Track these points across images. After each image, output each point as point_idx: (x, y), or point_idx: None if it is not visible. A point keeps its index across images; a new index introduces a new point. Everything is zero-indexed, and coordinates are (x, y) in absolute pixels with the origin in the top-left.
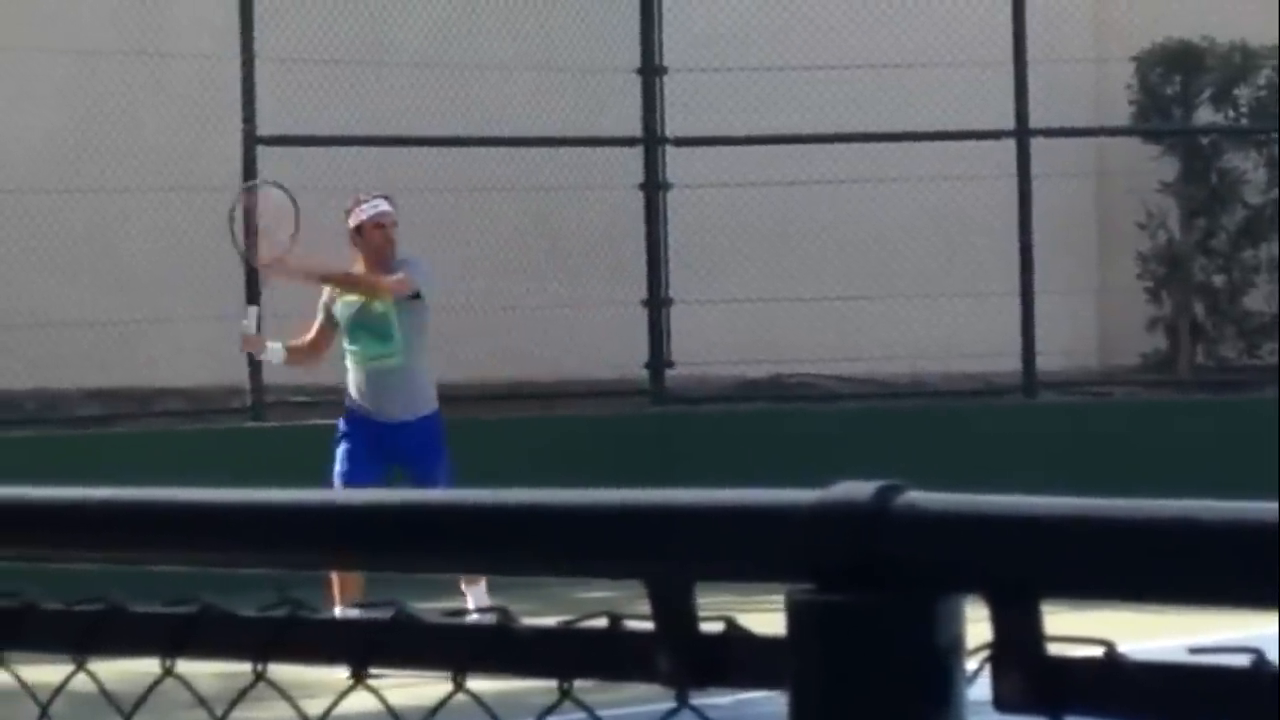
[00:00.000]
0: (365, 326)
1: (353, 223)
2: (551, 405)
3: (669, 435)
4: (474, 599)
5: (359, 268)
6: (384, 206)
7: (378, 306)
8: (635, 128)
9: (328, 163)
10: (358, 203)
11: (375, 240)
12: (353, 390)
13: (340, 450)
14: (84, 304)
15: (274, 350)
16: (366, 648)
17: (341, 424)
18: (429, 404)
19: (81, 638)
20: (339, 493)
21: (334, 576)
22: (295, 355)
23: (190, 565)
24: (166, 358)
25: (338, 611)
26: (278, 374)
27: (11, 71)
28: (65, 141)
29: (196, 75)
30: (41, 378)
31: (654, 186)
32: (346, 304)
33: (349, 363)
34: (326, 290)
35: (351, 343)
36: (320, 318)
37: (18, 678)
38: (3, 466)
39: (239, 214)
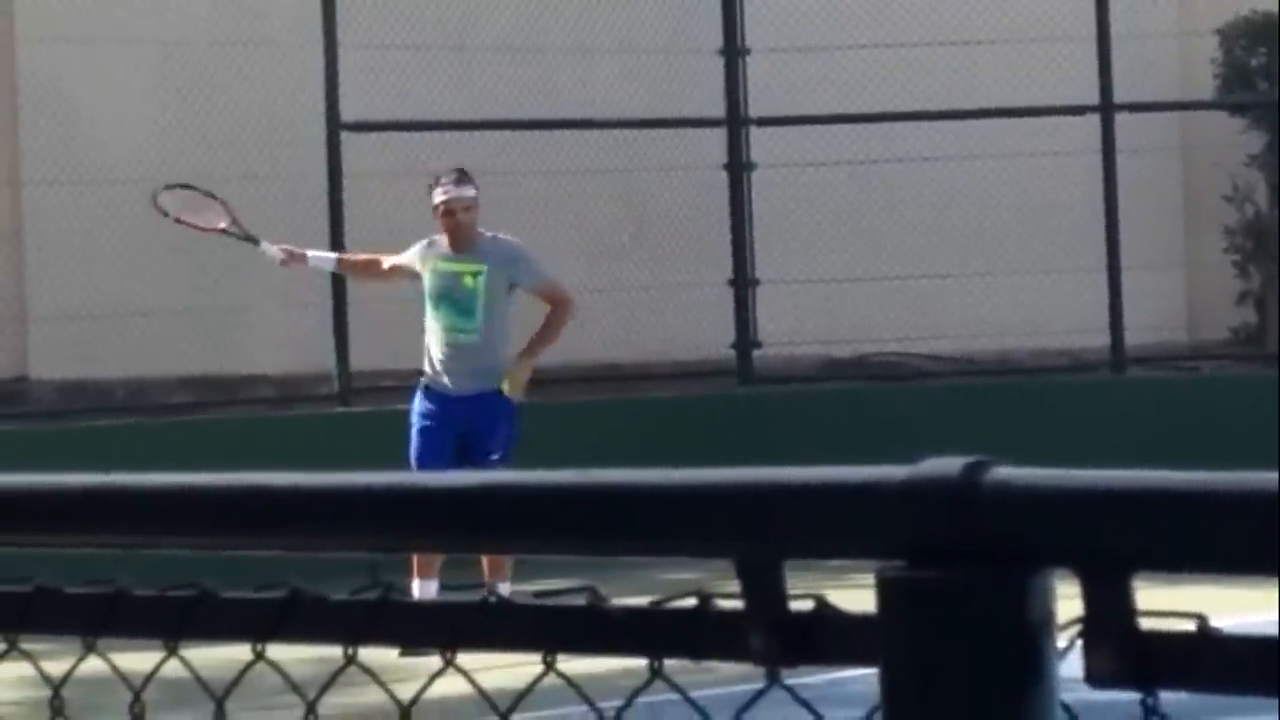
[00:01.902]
0: (450, 298)
1: (433, 202)
2: (639, 387)
3: (756, 416)
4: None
5: (444, 242)
6: (454, 191)
7: (468, 282)
8: (719, 108)
9: (412, 148)
10: (437, 182)
11: (448, 225)
12: (428, 362)
13: (414, 425)
14: (172, 292)
15: (320, 258)
16: (457, 630)
17: (415, 397)
18: (500, 381)
19: (173, 624)
20: (429, 475)
21: (414, 555)
22: (347, 265)
23: (280, 550)
24: (254, 345)
25: (415, 588)
26: (365, 359)
27: (101, 63)
28: (153, 131)
29: (281, 62)
30: (131, 366)
31: (738, 167)
32: (437, 273)
33: (429, 331)
34: (411, 249)
35: (433, 310)
36: (402, 260)
37: (111, 664)
38: (93, 455)
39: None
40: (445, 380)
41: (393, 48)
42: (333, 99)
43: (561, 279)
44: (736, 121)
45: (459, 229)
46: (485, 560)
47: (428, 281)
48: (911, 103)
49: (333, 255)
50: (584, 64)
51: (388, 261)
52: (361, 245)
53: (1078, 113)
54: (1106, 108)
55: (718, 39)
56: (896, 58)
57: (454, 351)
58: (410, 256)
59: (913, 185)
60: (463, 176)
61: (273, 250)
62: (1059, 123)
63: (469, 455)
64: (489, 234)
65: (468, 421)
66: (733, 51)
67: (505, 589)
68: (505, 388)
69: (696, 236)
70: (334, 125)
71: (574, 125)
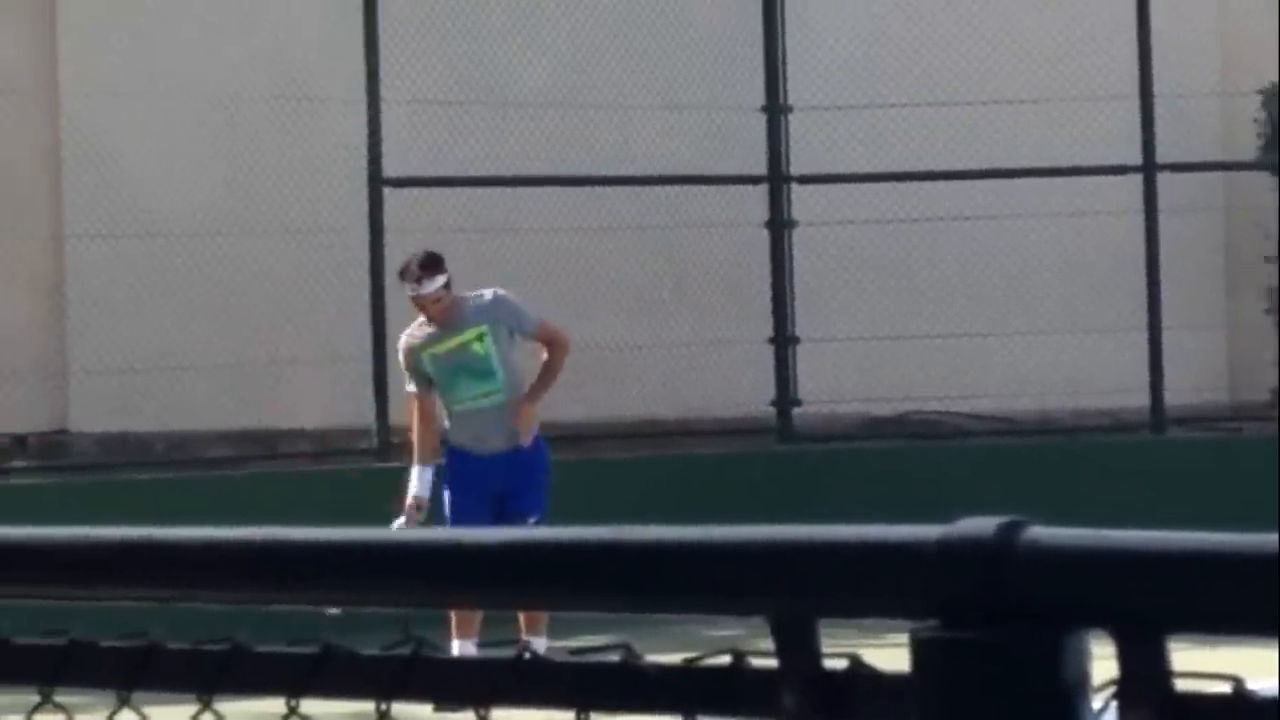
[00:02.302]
0: (466, 370)
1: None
2: (678, 444)
3: (796, 474)
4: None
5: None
6: (419, 289)
7: (476, 349)
8: (760, 165)
9: (454, 203)
10: (401, 274)
11: (430, 313)
12: (454, 432)
13: (449, 491)
14: (213, 347)
15: (421, 483)
16: (491, 686)
17: (446, 472)
18: (531, 434)
19: (207, 677)
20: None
21: (452, 613)
22: (428, 450)
23: (317, 605)
24: (294, 399)
25: (455, 648)
26: (404, 415)
27: (144, 117)
28: (195, 186)
29: (324, 117)
30: (172, 420)
31: (779, 224)
32: (435, 355)
33: (449, 409)
34: (401, 356)
35: (450, 390)
36: (414, 387)
37: (145, 717)
38: (132, 508)
39: None
40: (478, 444)
41: (435, 103)
42: (375, 154)
43: (549, 317)
44: (778, 179)
45: (438, 317)
46: (522, 616)
47: (433, 370)
48: (953, 161)
49: (415, 468)
50: (625, 119)
51: (416, 403)
52: (402, 300)
53: (1120, 172)
54: (1149, 167)
55: (760, 96)
56: (938, 116)
57: (483, 415)
58: (409, 374)
59: (954, 243)
60: (426, 270)
61: (404, 522)
62: (1100, 182)
63: (505, 518)
64: (468, 295)
65: (505, 480)
66: (775, 109)
67: (541, 645)
68: (521, 439)
69: (737, 293)
70: (376, 181)
71: (615, 182)
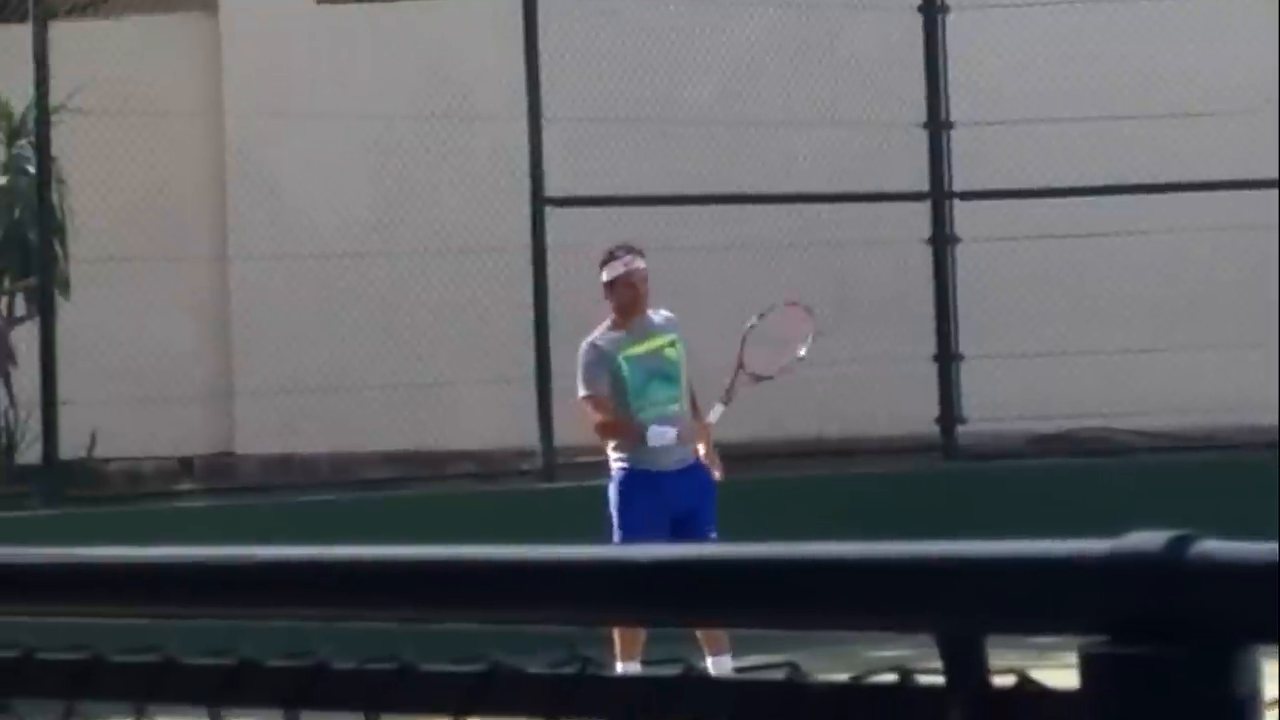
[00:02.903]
0: (661, 375)
1: (605, 278)
2: (844, 463)
3: (962, 492)
4: (714, 668)
5: (608, 321)
6: (635, 263)
7: (670, 354)
8: (922, 182)
9: (615, 222)
10: (611, 256)
11: (626, 297)
12: (631, 447)
13: (621, 510)
14: (377, 367)
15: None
16: (658, 706)
17: (618, 485)
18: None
19: (373, 697)
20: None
21: (616, 633)
22: (625, 434)
23: (486, 623)
24: (456, 420)
25: (620, 668)
26: (569, 435)
27: (307, 137)
28: (356, 206)
29: (486, 136)
30: (336, 441)
31: (942, 241)
32: (632, 358)
33: (635, 417)
34: (587, 360)
35: (640, 394)
36: (602, 384)
37: None
38: (297, 530)
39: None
40: (658, 461)
41: (596, 120)
42: (537, 173)
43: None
44: (940, 195)
45: (637, 301)
46: (702, 636)
47: (628, 373)
48: (1116, 175)
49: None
50: (788, 137)
51: (602, 400)
52: (565, 319)
53: None
54: None
55: (921, 112)
56: (1101, 130)
57: (670, 425)
58: (601, 376)
59: (1119, 258)
60: (635, 250)
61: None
62: (1271, 195)
63: (687, 536)
64: (650, 310)
65: (685, 497)
66: (936, 124)
67: (726, 664)
68: (717, 474)
69: (900, 311)
70: (538, 199)
71: (777, 200)
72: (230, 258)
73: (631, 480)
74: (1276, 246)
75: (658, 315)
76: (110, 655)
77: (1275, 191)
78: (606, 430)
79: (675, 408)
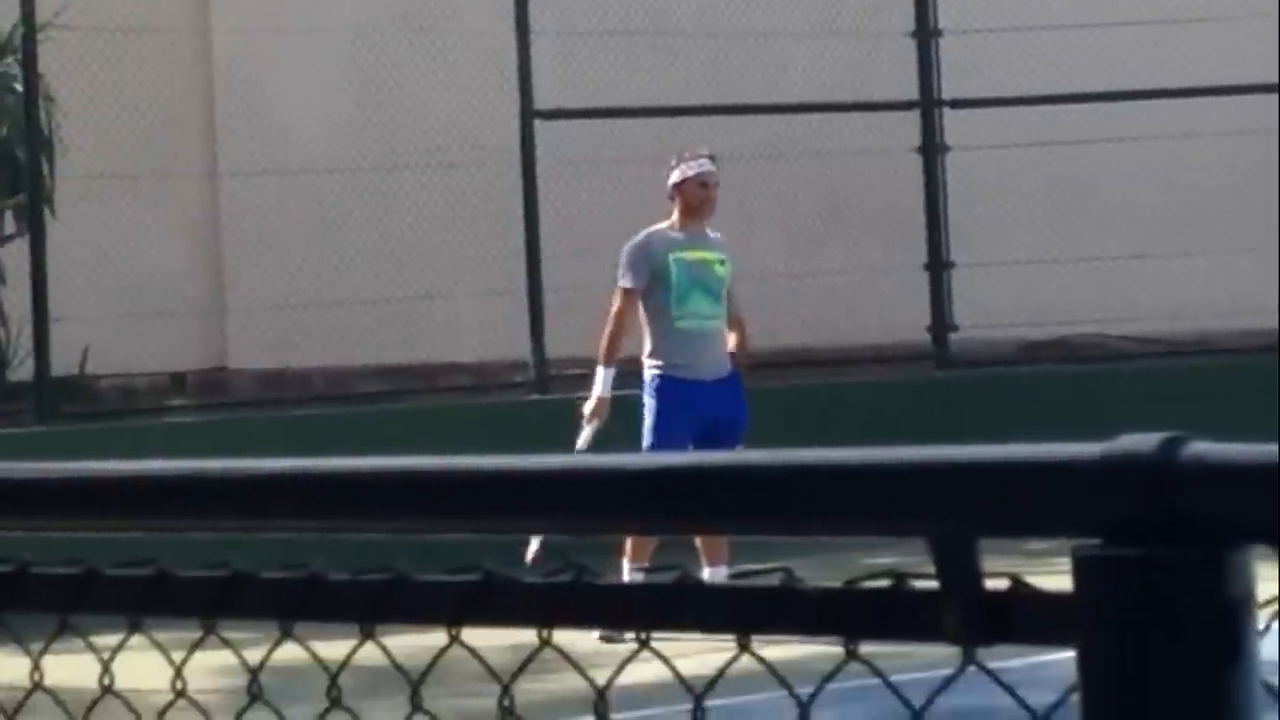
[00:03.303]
0: (703, 286)
1: (676, 178)
2: (835, 372)
3: (954, 399)
4: (711, 577)
5: (668, 222)
6: (709, 165)
7: (719, 270)
8: (912, 91)
9: (606, 134)
10: (682, 159)
11: (697, 198)
12: (667, 354)
13: (654, 415)
14: (367, 282)
15: (606, 384)
16: (653, 613)
17: (652, 391)
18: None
19: (368, 608)
20: (623, 456)
21: (627, 539)
22: (617, 351)
23: (482, 533)
24: (449, 333)
25: (626, 566)
26: (562, 347)
27: (294, 51)
28: (345, 120)
29: (473, 50)
30: (329, 356)
31: (932, 150)
32: (682, 261)
33: (672, 324)
34: (636, 248)
35: (681, 300)
36: (632, 283)
37: (309, 649)
38: (291, 444)
39: None
40: (693, 369)
41: (585, 33)
42: (526, 86)
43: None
44: (930, 104)
45: (706, 203)
46: (701, 545)
47: (675, 274)
48: (1106, 82)
49: (602, 369)
50: (777, 48)
51: (620, 305)
52: (557, 232)
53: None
54: None
55: (910, 21)
56: (1091, 37)
57: (705, 338)
58: (643, 270)
59: (1108, 166)
60: (710, 154)
61: (587, 432)
62: (1266, 100)
63: (718, 443)
64: (709, 228)
65: (718, 407)
66: (925, 33)
67: (723, 573)
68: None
69: (891, 220)
70: (528, 112)
71: (768, 110)
72: (220, 174)
73: (666, 387)
74: (1276, 151)
75: (715, 233)
76: (105, 569)
77: (1271, 96)
78: (609, 339)
79: (713, 325)
